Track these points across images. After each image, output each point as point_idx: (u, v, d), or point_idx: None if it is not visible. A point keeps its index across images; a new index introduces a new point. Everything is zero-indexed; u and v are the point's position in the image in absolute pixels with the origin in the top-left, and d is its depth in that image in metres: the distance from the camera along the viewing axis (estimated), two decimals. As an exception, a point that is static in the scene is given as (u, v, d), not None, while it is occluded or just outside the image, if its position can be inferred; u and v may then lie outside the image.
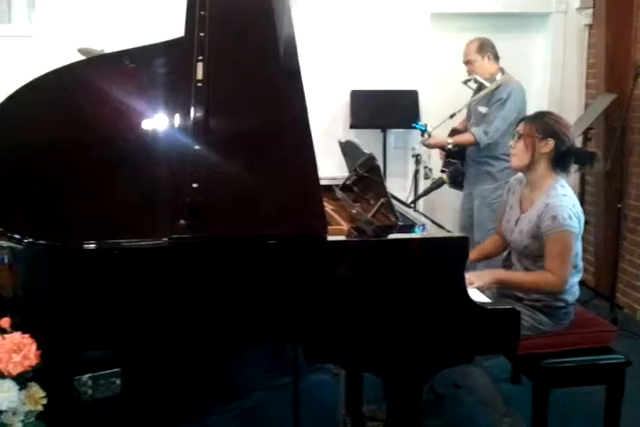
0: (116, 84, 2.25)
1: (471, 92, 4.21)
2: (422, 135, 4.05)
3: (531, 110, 2.70)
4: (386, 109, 4.58)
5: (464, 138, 3.98)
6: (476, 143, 3.92)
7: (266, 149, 2.05)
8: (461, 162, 4.11)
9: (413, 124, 4.15)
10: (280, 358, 3.27)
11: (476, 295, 2.17)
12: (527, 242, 2.49)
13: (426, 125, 4.04)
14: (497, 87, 3.94)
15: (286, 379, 3.08)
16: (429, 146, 4.10)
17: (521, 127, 2.55)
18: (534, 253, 2.49)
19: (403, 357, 2.01)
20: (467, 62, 4.05)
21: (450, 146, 4.00)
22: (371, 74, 4.63)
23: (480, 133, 3.89)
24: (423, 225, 2.17)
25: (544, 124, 2.50)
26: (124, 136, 2.15)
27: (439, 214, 4.41)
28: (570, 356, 2.47)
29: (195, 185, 1.90)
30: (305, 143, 1.98)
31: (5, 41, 4.20)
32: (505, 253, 2.79)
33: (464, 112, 4.22)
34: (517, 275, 2.54)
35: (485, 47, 3.99)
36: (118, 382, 2.56)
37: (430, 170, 4.02)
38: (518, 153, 2.53)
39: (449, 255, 2.00)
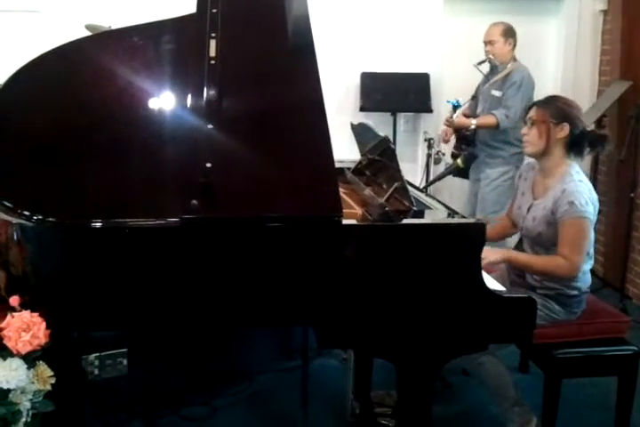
0: (125, 60, 2.22)
1: (481, 76, 4.17)
2: (454, 111, 4.00)
3: (543, 96, 2.64)
4: (396, 92, 4.52)
5: (487, 120, 3.94)
6: (497, 126, 3.89)
7: (280, 129, 2.02)
8: (472, 147, 4.08)
9: (447, 101, 4.12)
10: (288, 341, 3.25)
11: (492, 283, 2.13)
12: (541, 229, 2.45)
13: (458, 101, 4.02)
14: (510, 72, 3.96)
15: (294, 362, 3.07)
16: (453, 125, 4.05)
17: (533, 113, 2.49)
18: (549, 241, 2.45)
19: (416, 343, 1.98)
20: (488, 42, 4.02)
21: (473, 126, 3.95)
22: (381, 56, 4.55)
23: (502, 117, 3.88)
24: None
25: (557, 108, 2.46)
26: (135, 114, 2.12)
27: (449, 201, 4.36)
28: (582, 346, 2.44)
29: (208, 165, 1.86)
30: (320, 122, 1.95)
31: (13, 16, 4.13)
32: (516, 241, 2.76)
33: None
34: (529, 256, 2.52)
35: (510, 33, 4.01)
36: (125, 362, 2.56)
37: (443, 154, 3.97)
38: (532, 140, 2.49)
39: (465, 242, 1.97)
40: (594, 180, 4.34)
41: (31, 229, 1.83)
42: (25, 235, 1.84)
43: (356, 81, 4.58)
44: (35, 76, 2.21)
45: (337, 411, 2.72)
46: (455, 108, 4.02)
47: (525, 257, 2.50)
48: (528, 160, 2.69)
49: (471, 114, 4.15)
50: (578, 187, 2.39)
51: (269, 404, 2.90)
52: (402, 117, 4.66)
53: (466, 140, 4.06)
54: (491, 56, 4.01)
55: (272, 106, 2.05)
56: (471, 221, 2.07)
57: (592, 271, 2.60)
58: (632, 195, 4.01)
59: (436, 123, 4.43)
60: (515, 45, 4.03)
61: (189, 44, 2.16)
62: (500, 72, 3.99)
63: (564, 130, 2.44)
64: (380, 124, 4.46)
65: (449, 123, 4.06)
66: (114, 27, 2.75)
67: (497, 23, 4.04)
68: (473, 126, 3.97)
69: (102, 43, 2.39)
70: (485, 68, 4.16)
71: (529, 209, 2.54)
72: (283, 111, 2.04)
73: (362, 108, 4.51)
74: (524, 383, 2.74)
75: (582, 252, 2.38)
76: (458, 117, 4.01)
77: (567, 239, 2.37)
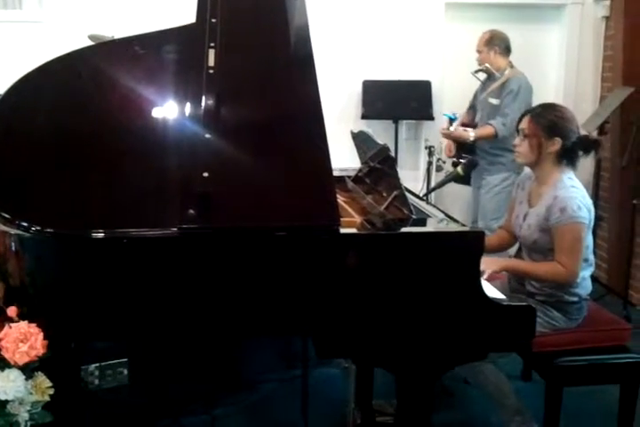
0: (126, 70, 2.22)
1: (479, 84, 4.20)
2: (451, 124, 4.04)
3: (540, 103, 2.63)
4: (398, 100, 4.53)
5: (485, 131, 3.97)
6: (495, 136, 3.90)
7: (278, 138, 2.02)
8: (472, 155, 4.08)
9: (443, 114, 4.19)
10: (289, 350, 3.24)
11: (492, 291, 2.13)
12: (536, 236, 2.45)
13: (455, 114, 4.07)
14: (506, 80, 3.97)
15: (295, 372, 3.06)
16: (450, 137, 4.06)
17: (525, 126, 2.48)
18: (544, 248, 2.45)
19: (415, 353, 1.97)
20: (478, 51, 4.10)
21: (471, 139, 3.97)
22: (383, 64, 4.57)
23: (500, 126, 3.90)
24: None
25: (549, 122, 2.44)
26: (134, 123, 2.12)
27: (450, 208, 4.36)
28: (584, 354, 2.43)
29: (205, 174, 1.86)
30: (318, 132, 1.95)
31: (16, 27, 4.17)
32: (515, 249, 2.75)
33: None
34: (527, 264, 2.51)
35: (494, 40, 4.02)
36: (125, 372, 2.56)
37: (444, 162, 3.98)
38: (523, 152, 2.49)
39: (464, 250, 1.96)
40: (596, 186, 4.34)
41: (29, 239, 1.83)
42: (23, 246, 1.84)
43: (358, 89, 4.59)
44: (36, 85, 2.21)
45: (338, 420, 2.70)
46: (452, 120, 4.04)
47: (524, 265, 2.50)
48: (527, 169, 2.69)
49: (470, 122, 4.17)
50: (570, 193, 2.39)
51: (270, 413, 2.89)
52: (403, 125, 4.67)
53: (465, 148, 4.07)
54: (487, 64, 4.03)
55: (270, 116, 2.05)
56: (469, 228, 2.06)
57: (595, 278, 2.59)
58: (634, 201, 3.99)
59: (437, 130, 4.44)
60: (504, 52, 4.03)
61: (189, 53, 2.16)
62: (497, 80, 4.01)
63: (556, 144, 2.43)
64: (381, 131, 4.47)
65: (447, 135, 4.07)
66: (117, 37, 2.77)
67: (484, 32, 4.08)
68: (471, 138, 3.99)
69: (105, 52, 2.40)
70: (483, 75, 4.17)
71: (525, 217, 2.53)
72: (281, 121, 2.04)
73: (364, 116, 4.53)
74: (527, 392, 2.73)
75: (579, 257, 2.37)
76: (456, 128, 4.02)
77: (563, 246, 2.37)
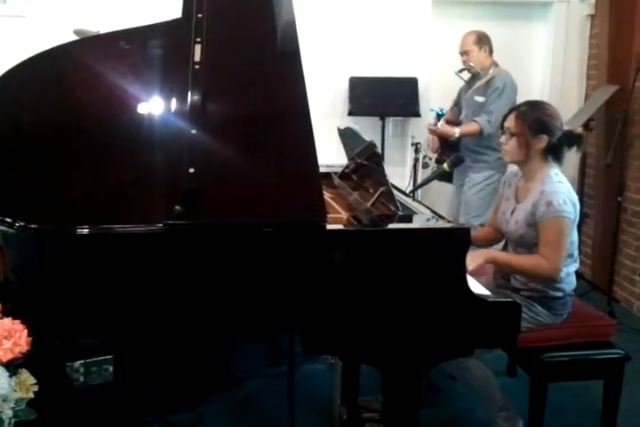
0: (111, 65, 2.20)
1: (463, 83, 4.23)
2: (438, 120, 4.06)
3: (525, 101, 2.64)
4: (385, 97, 4.53)
5: (470, 128, 3.99)
6: (480, 133, 3.92)
7: (264, 134, 2.01)
8: (457, 153, 4.10)
9: (430, 109, 4.21)
10: (275, 347, 3.24)
11: (477, 287, 2.13)
12: (523, 231, 2.46)
13: (442, 110, 4.09)
14: (492, 77, 4.00)
15: (281, 368, 3.06)
16: (437, 133, 4.08)
17: (512, 124, 2.49)
18: (530, 242, 2.47)
19: (401, 349, 1.98)
20: (463, 53, 4.11)
21: (457, 135, 3.98)
22: (370, 60, 4.57)
23: (485, 123, 3.92)
24: None
25: (535, 120, 2.45)
26: (120, 119, 2.11)
27: (437, 205, 4.37)
28: (569, 350, 2.44)
29: (191, 170, 1.85)
30: (304, 128, 1.94)
31: (0, 21, 4.12)
32: (501, 245, 2.76)
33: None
34: (511, 256, 2.53)
35: (483, 40, 4.07)
36: (111, 369, 2.54)
37: (430, 159, 3.99)
38: (511, 150, 2.50)
39: (450, 246, 1.96)
40: (581, 183, 4.36)
41: (13, 235, 1.82)
42: (6, 242, 1.83)
43: (345, 85, 4.59)
44: (21, 80, 2.19)
45: (324, 416, 2.71)
46: (439, 116, 4.07)
47: (506, 257, 2.52)
48: (512, 166, 2.70)
49: (454, 120, 4.19)
50: (556, 188, 2.41)
51: (257, 410, 2.88)
52: (390, 122, 4.67)
53: (450, 146, 4.09)
54: (471, 63, 4.06)
55: (256, 111, 2.04)
56: (456, 225, 2.07)
57: (580, 275, 2.61)
58: (619, 198, 4.02)
59: (423, 127, 4.44)
60: (491, 51, 4.08)
61: (175, 48, 2.15)
62: (482, 78, 4.04)
63: (542, 142, 2.45)
64: (368, 128, 4.47)
65: (432, 131, 4.09)
66: (102, 32, 2.75)
67: (469, 32, 4.11)
68: (457, 135, 4.01)
69: (90, 47, 2.38)
70: (467, 75, 4.19)
71: (512, 213, 2.55)
72: (267, 117, 2.03)
73: (350, 113, 4.52)
74: (512, 388, 2.75)
75: (562, 251, 2.39)
76: (442, 125, 4.04)
77: (546, 239, 2.38)
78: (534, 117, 2.46)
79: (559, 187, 2.42)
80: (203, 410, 2.83)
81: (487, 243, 2.79)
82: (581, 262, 2.56)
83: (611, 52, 4.31)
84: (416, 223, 2.21)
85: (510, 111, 2.55)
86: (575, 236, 2.50)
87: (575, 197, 2.45)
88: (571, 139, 2.51)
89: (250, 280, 1.86)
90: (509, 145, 2.51)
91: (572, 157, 3.20)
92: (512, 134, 2.49)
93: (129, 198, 1.93)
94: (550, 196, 2.38)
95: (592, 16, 4.67)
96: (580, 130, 3.99)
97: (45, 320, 1.84)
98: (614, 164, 4.02)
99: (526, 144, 2.46)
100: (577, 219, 2.46)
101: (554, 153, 2.49)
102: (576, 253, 2.53)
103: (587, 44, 4.74)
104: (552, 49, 4.80)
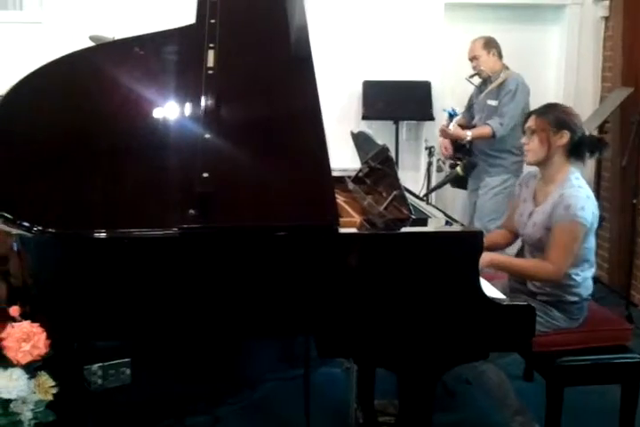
0: (126, 71, 2.23)
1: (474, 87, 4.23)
2: (451, 120, 4.06)
3: (543, 103, 2.65)
4: (398, 101, 4.53)
5: (482, 131, 3.98)
6: (493, 136, 3.90)
7: (277, 139, 2.03)
8: (469, 157, 4.09)
9: (443, 109, 4.20)
10: (291, 350, 3.24)
11: (492, 291, 2.13)
12: (540, 234, 2.45)
13: (455, 110, 4.10)
14: (503, 80, 3.99)
15: (297, 371, 3.06)
16: (448, 136, 4.07)
17: (532, 123, 2.51)
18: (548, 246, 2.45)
19: (416, 352, 1.97)
20: (472, 58, 4.12)
21: (468, 138, 3.98)
22: (383, 64, 4.57)
23: (497, 125, 3.91)
24: None
25: (555, 116, 2.48)
26: (135, 124, 2.13)
27: (450, 209, 4.37)
28: (585, 354, 2.43)
29: (205, 174, 1.87)
30: (317, 132, 1.96)
31: (16, 27, 4.17)
32: (517, 248, 2.75)
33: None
34: (513, 259, 2.53)
35: (490, 44, 4.08)
36: (128, 371, 2.56)
37: (444, 162, 3.98)
38: (533, 148, 2.50)
39: (463, 250, 1.96)
40: (597, 186, 4.34)
41: (31, 239, 1.84)
42: (25, 246, 1.85)
43: (359, 89, 4.60)
44: (38, 86, 2.23)
45: (340, 420, 2.70)
46: (452, 116, 4.06)
47: (507, 259, 2.51)
48: (529, 169, 2.69)
49: (466, 124, 4.17)
50: (576, 192, 2.39)
51: (272, 413, 2.89)
52: (404, 126, 4.67)
53: (462, 150, 4.08)
54: (482, 68, 4.06)
55: (269, 116, 2.06)
56: (469, 228, 2.07)
57: (597, 279, 2.59)
58: (634, 201, 3.99)
59: (437, 131, 4.43)
60: (500, 54, 4.08)
61: (189, 54, 2.17)
62: (494, 82, 4.03)
63: (564, 137, 2.45)
64: (382, 132, 4.48)
65: (444, 132, 4.08)
66: (117, 37, 2.78)
67: (476, 39, 4.12)
68: (468, 138, 4.00)
69: (105, 53, 2.42)
70: (477, 80, 4.19)
71: (530, 216, 2.54)
72: (279, 121, 2.05)
73: (364, 117, 4.53)
74: (529, 392, 2.73)
75: (570, 256, 2.37)
76: (454, 128, 4.03)
77: (555, 242, 2.37)
78: (554, 115, 2.48)
79: (579, 191, 2.40)
80: (219, 412, 2.85)
81: (500, 246, 2.77)
82: (598, 266, 2.55)
83: (625, 54, 4.29)
84: (430, 227, 2.21)
85: (530, 114, 2.57)
86: (592, 242, 2.48)
87: (595, 205, 2.43)
88: (593, 144, 2.52)
89: (264, 283, 1.87)
90: (531, 144, 2.50)
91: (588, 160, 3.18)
92: (533, 132, 2.49)
93: (144, 203, 1.94)
94: (569, 200, 2.36)
95: (606, 18, 4.65)
96: (595, 132, 3.97)
97: (63, 323, 1.86)
98: (630, 166, 3.99)
99: (548, 140, 2.46)
100: (594, 226, 2.44)
101: (575, 152, 2.48)
102: (592, 258, 2.51)
103: (601, 46, 4.71)
104: (566, 51, 4.78)
